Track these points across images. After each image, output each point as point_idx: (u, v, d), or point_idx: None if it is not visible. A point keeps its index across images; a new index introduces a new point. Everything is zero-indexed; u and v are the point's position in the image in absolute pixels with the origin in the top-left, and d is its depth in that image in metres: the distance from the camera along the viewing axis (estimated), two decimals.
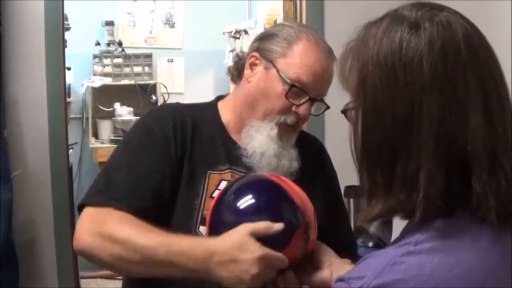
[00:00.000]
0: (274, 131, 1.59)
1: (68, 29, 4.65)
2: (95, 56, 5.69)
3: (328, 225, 1.58)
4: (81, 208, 1.53)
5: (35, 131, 3.00)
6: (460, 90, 0.86)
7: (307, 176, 1.67)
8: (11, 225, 2.70)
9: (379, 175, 0.91)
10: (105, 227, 1.42)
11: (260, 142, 1.59)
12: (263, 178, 1.45)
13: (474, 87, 0.87)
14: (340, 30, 3.30)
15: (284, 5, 3.25)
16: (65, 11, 3.21)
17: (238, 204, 1.36)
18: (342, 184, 2.69)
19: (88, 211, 1.48)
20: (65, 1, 3.07)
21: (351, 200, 2.72)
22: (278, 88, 1.58)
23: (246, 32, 5.08)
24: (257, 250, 1.30)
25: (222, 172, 1.59)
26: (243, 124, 1.63)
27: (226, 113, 1.68)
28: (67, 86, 3.80)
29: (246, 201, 1.36)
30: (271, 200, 1.39)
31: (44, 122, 3.00)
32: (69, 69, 4.66)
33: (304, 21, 3.10)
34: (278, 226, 1.31)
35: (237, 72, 1.70)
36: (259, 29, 4.82)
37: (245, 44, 5.10)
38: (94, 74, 5.65)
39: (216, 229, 1.37)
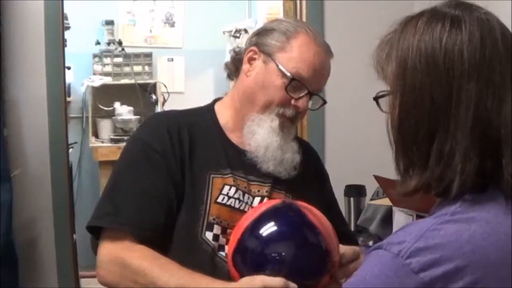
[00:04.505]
0: (276, 122, 1.60)
1: (68, 28, 4.65)
2: (95, 56, 5.69)
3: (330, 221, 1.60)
4: (90, 229, 1.54)
5: (35, 131, 3.00)
6: (496, 77, 0.94)
7: (305, 178, 1.69)
8: (11, 225, 2.70)
9: (415, 153, 0.97)
10: (127, 266, 1.45)
11: (262, 135, 1.59)
12: (300, 217, 1.42)
13: (509, 75, 0.95)
14: (340, 30, 3.33)
15: (284, 5, 3.25)
16: (65, 11, 3.21)
17: (276, 246, 1.36)
18: (342, 184, 2.70)
19: (106, 244, 1.50)
20: (65, 1, 3.07)
21: (351, 199, 2.72)
22: (277, 81, 1.58)
23: (246, 31, 5.07)
24: None
25: (225, 176, 1.58)
26: (243, 121, 1.63)
27: (224, 113, 1.67)
28: (67, 85, 3.80)
29: (285, 242, 1.36)
30: (305, 240, 1.39)
31: (44, 122, 3.00)
32: (69, 68, 4.66)
33: (304, 21, 3.10)
34: (293, 286, 1.32)
35: (234, 67, 1.70)
36: None
37: (245, 43, 5.10)
38: (94, 74, 5.65)
39: (240, 255, 1.39)
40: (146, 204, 1.52)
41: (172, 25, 5.94)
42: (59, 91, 3.05)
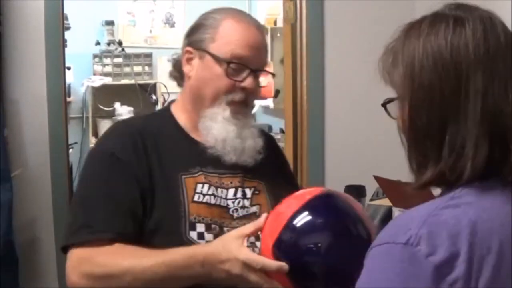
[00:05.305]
0: (227, 112, 1.60)
1: (68, 28, 4.65)
2: (95, 56, 5.69)
3: None
4: (65, 249, 1.52)
5: (35, 131, 3.00)
6: (500, 69, 0.99)
7: (272, 165, 1.72)
8: (11, 225, 2.70)
9: (429, 148, 1.01)
10: (97, 266, 1.45)
11: (217, 129, 1.60)
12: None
13: (511, 68, 0.99)
14: (340, 30, 3.32)
15: (284, 5, 3.25)
16: (65, 11, 3.21)
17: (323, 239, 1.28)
18: (342, 184, 2.70)
19: (76, 252, 1.49)
20: (65, 1, 3.07)
21: None
22: (217, 70, 1.59)
23: None
24: (235, 250, 1.34)
25: (195, 175, 1.59)
26: (198, 118, 1.63)
27: (180, 116, 1.68)
28: (67, 85, 3.80)
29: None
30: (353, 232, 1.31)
31: (44, 122, 3.00)
32: (69, 68, 4.66)
33: (304, 21, 3.10)
34: (261, 218, 1.37)
35: (179, 74, 1.71)
36: None
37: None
38: (94, 74, 5.65)
39: (284, 247, 1.31)
40: (116, 210, 1.51)
41: (172, 25, 5.94)
42: (59, 91, 3.05)
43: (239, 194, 1.62)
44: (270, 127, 5.11)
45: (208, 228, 1.55)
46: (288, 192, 1.62)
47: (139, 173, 1.54)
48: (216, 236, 1.55)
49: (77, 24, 5.16)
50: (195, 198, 1.56)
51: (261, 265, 1.31)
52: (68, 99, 4.25)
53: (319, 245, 1.27)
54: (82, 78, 5.57)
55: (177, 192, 1.55)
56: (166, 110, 1.72)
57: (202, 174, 1.59)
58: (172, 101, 1.74)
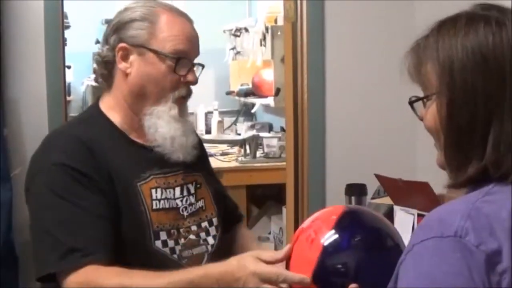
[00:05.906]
0: (175, 111, 1.59)
1: (68, 27, 4.64)
2: (95, 55, 5.68)
3: (222, 198, 1.73)
4: (47, 277, 1.44)
5: (35, 130, 2.99)
6: None
7: (201, 158, 1.74)
8: (11, 225, 2.70)
9: (472, 145, 1.00)
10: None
11: (165, 127, 1.58)
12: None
13: None
14: (340, 30, 3.31)
15: (284, 4, 3.24)
16: (65, 10, 3.20)
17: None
18: (343, 183, 2.70)
19: (73, 279, 1.40)
20: (64, 0, 3.07)
21: (353, 198, 2.71)
22: (162, 67, 1.57)
23: (246, 30, 5.06)
24: (251, 265, 1.30)
25: (147, 180, 1.57)
26: (138, 117, 1.60)
27: (114, 116, 1.62)
28: (67, 84, 3.79)
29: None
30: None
31: (44, 121, 2.99)
32: (69, 67, 4.65)
33: (304, 21, 3.09)
34: (284, 250, 1.30)
35: (107, 71, 1.65)
36: (260, 27, 4.80)
37: (245, 41, 5.08)
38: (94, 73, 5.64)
39: (326, 274, 1.25)
40: (99, 227, 1.45)
41: None
42: (59, 90, 3.04)
43: (185, 192, 1.62)
44: (271, 126, 5.10)
45: (169, 234, 1.55)
46: (216, 183, 1.70)
47: (102, 184, 1.49)
48: (176, 240, 1.54)
49: (77, 23, 5.16)
50: (154, 206, 1.54)
51: (284, 277, 1.25)
52: (68, 98, 4.24)
53: (361, 265, 1.23)
54: (82, 77, 5.56)
55: (137, 201, 1.53)
56: (97, 111, 1.64)
57: (153, 178, 1.58)
58: (98, 100, 1.67)
